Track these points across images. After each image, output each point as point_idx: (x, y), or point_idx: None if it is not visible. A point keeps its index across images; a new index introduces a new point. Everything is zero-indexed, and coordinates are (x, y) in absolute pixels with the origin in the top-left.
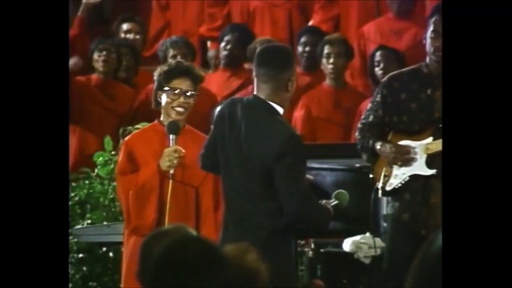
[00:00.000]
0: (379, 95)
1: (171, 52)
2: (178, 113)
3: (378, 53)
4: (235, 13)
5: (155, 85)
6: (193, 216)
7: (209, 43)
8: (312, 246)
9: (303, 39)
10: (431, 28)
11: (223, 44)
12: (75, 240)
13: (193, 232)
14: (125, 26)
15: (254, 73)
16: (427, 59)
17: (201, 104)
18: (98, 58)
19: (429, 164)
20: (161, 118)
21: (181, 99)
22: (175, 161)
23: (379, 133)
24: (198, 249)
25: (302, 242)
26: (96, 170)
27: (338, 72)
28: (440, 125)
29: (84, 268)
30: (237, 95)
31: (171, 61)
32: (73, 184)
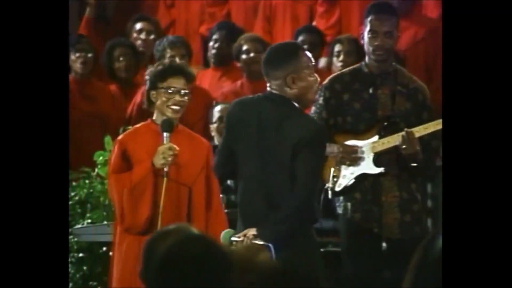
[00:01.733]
0: (321, 98)
1: (168, 53)
2: (174, 111)
3: None
4: (236, 12)
5: (147, 85)
6: (184, 216)
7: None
8: None
9: (300, 38)
10: (367, 28)
11: (211, 43)
12: (76, 239)
13: (197, 231)
14: (138, 26)
15: None
16: (366, 59)
17: (196, 104)
18: (76, 59)
19: (377, 162)
20: (154, 118)
21: (177, 98)
22: (169, 159)
23: None
24: (202, 248)
25: None
26: (96, 170)
27: None
28: (385, 123)
29: (85, 268)
30: (230, 95)
31: (164, 60)
32: (73, 183)
